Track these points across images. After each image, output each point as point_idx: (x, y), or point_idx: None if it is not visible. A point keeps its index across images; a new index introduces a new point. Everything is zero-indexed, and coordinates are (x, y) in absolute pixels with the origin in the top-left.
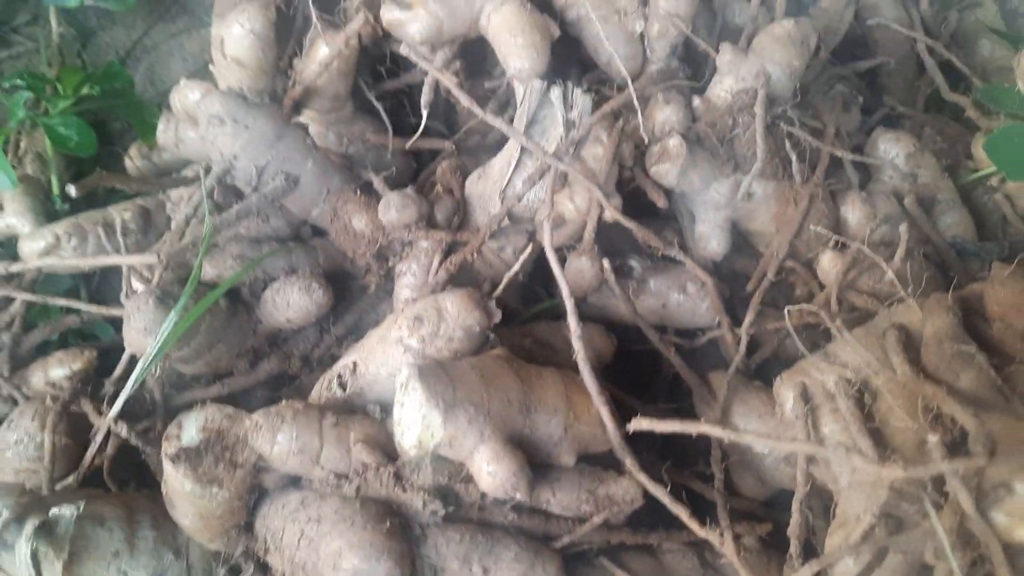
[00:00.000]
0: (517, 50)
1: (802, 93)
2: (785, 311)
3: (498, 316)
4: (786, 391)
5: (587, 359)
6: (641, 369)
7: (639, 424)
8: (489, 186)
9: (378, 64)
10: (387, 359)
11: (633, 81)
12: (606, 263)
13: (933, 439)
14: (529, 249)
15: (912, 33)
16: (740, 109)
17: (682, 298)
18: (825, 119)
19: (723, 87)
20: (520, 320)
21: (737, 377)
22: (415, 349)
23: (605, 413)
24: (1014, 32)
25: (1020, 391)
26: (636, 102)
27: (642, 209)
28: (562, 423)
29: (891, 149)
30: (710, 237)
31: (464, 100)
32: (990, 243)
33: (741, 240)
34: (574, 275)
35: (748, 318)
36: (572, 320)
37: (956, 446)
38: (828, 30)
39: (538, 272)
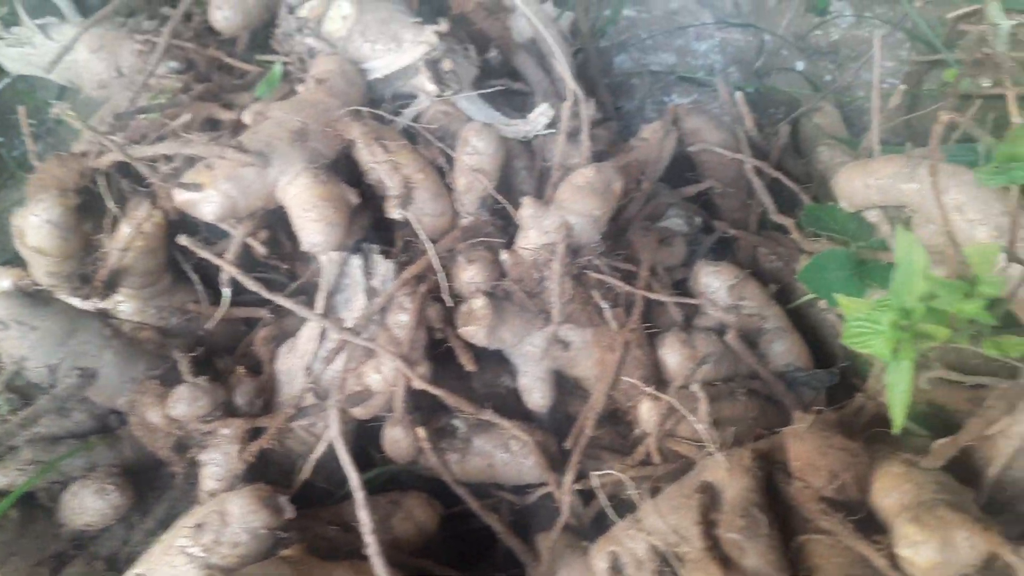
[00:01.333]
0: (309, 225)
1: (621, 230)
2: (592, 476)
3: (290, 513)
4: (598, 561)
5: (380, 554)
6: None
7: None
8: (295, 361)
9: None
10: (172, 571)
11: (444, 235)
12: (421, 431)
13: None
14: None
15: (736, 155)
16: (545, 263)
17: (507, 456)
18: (642, 258)
19: (528, 240)
20: (339, 497)
21: (563, 539)
22: (199, 559)
23: None
24: (857, 134)
25: (810, 565)
26: (437, 264)
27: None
28: None
29: (712, 282)
30: (532, 390)
31: (250, 284)
32: (821, 371)
33: (574, 383)
34: (390, 446)
35: (568, 477)
36: (362, 514)
37: None
38: (649, 161)
39: (369, 435)
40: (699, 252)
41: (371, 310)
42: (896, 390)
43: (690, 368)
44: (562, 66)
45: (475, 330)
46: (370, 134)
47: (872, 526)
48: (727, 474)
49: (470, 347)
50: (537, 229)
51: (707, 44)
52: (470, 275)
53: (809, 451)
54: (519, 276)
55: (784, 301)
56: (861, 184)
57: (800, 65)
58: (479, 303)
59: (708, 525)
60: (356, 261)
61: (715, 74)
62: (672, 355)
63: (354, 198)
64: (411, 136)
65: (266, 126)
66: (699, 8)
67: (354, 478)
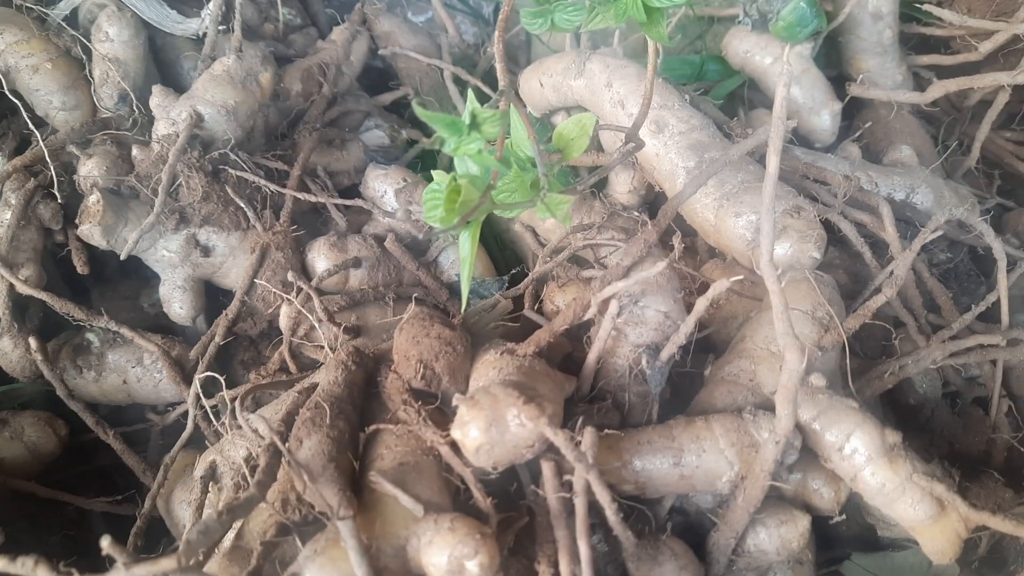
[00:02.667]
0: None
1: (288, 131)
2: (195, 380)
3: None
4: (196, 470)
5: None
6: None
7: None
8: None
9: None
10: None
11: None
12: (33, 342)
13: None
14: None
15: (432, 61)
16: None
17: (140, 371)
18: (298, 158)
19: (158, 133)
20: None
21: (191, 457)
22: None
23: None
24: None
25: (373, 455)
26: (47, 154)
27: None
28: None
29: (379, 186)
30: (171, 299)
31: None
32: (491, 279)
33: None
34: (2, 360)
35: (192, 389)
36: None
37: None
38: (333, 62)
39: None
40: (405, 160)
41: None
42: (463, 263)
43: (329, 271)
44: None
45: (90, 228)
46: None
47: None
48: (326, 370)
49: (89, 249)
50: (165, 120)
51: None
52: (87, 169)
53: (405, 341)
54: (147, 172)
55: None
56: (537, 84)
57: None
58: (93, 199)
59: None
60: None
61: None
62: (320, 259)
63: None
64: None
65: None
66: None
67: None
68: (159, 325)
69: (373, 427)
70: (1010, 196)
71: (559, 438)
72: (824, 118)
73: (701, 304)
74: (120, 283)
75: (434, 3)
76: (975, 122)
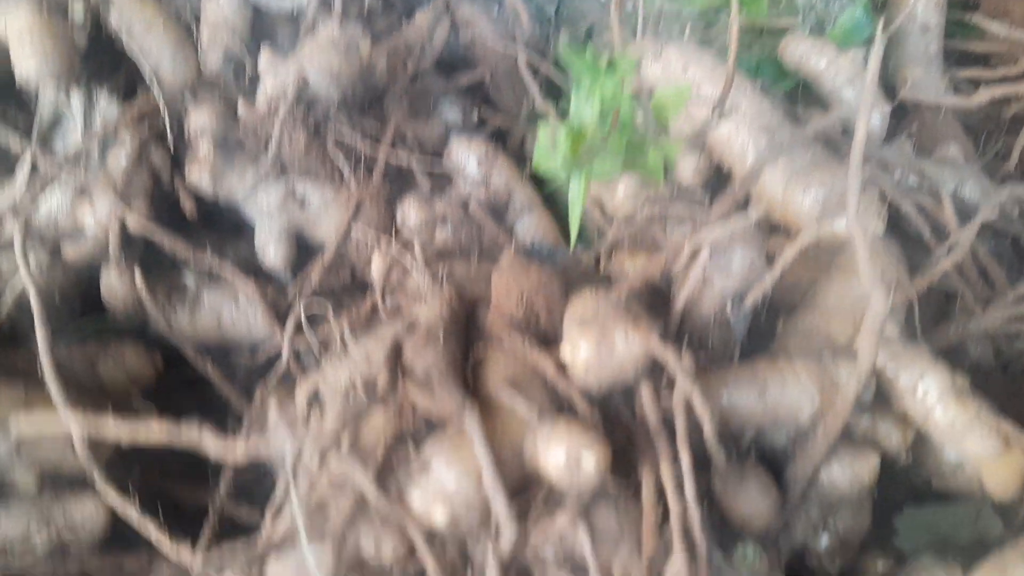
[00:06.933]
0: (23, 57)
1: (377, 102)
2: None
3: None
4: (299, 395)
5: (51, 363)
6: None
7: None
8: (5, 201)
9: None
10: None
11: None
12: (138, 277)
13: None
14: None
15: (510, 48)
16: (276, 111)
17: (235, 310)
18: (391, 119)
19: (264, 90)
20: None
21: (282, 389)
22: None
23: (75, 429)
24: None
25: (483, 382)
26: (163, 105)
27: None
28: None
29: (464, 155)
30: (267, 245)
31: None
32: (558, 248)
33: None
34: (106, 292)
35: (289, 324)
36: (39, 332)
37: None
38: (417, 43)
39: None
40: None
41: (86, 143)
42: (573, 205)
43: (423, 222)
44: None
45: (199, 175)
46: None
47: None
48: (427, 308)
49: (198, 200)
50: (273, 76)
51: None
52: (198, 118)
53: (505, 280)
54: (253, 126)
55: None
56: None
57: None
58: (204, 145)
59: (398, 347)
60: (77, 96)
61: None
62: (412, 213)
63: (81, 38)
64: None
65: None
66: None
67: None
68: None
69: (482, 353)
70: None
71: (667, 352)
72: (875, 118)
73: (790, 252)
74: (204, 236)
75: None
76: (1010, 134)
